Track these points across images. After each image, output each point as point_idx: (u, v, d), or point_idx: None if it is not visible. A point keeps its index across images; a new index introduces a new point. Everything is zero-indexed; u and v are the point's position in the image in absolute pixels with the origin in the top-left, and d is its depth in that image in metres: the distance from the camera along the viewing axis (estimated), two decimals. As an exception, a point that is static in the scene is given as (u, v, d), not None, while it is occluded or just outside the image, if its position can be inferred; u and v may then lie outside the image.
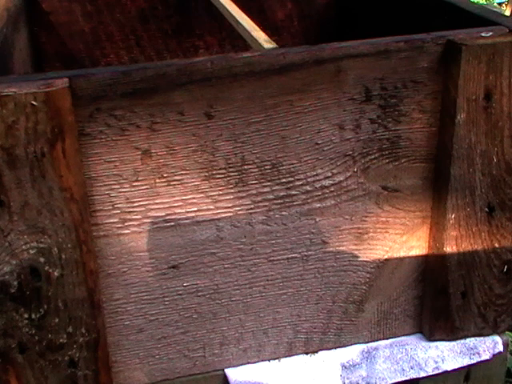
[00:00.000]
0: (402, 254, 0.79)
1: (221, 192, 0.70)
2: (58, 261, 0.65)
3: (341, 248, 0.76)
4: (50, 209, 0.63)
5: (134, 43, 1.24)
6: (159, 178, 0.67)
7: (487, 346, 0.83)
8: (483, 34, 0.70)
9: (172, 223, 0.70)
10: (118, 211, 0.68)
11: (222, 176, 0.69)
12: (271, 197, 0.72)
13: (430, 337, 0.82)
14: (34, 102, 0.59)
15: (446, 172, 0.74)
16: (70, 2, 1.18)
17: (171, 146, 0.67)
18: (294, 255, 0.75)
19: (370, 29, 1.10)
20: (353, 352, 0.81)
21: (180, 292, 0.73)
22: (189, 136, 0.67)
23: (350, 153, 0.72)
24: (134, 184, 0.67)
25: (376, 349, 0.81)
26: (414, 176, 0.75)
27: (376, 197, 0.75)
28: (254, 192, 0.71)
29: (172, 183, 0.68)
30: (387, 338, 0.83)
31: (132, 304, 0.72)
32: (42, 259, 0.64)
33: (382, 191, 0.75)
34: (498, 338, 0.84)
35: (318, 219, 0.74)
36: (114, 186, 0.67)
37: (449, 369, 0.83)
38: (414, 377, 0.82)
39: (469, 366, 0.84)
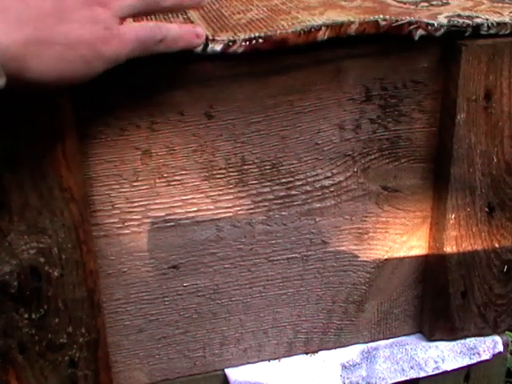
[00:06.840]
0: (402, 254, 0.79)
1: (221, 192, 0.70)
2: (58, 261, 0.65)
3: (341, 248, 0.76)
4: (50, 209, 0.63)
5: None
6: (159, 178, 0.67)
7: (487, 346, 0.83)
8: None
9: (172, 223, 0.70)
10: (118, 211, 0.68)
11: (222, 176, 0.69)
12: (271, 197, 0.72)
13: (430, 337, 0.82)
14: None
15: (446, 172, 0.73)
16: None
17: (171, 146, 0.67)
18: (294, 255, 0.75)
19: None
20: (353, 352, 0.81)
21: (180, 292, 0.73)
22: (189, 136, 0.67)
23: (350, 153, 0.72)
24: (134, 184, 0.67)
25: (376, 349, 0.81)
26: (414, 176, 0.75)
27: (376, 197, 0.75)
28: (254, 192, 0.71)
29: (172, 183, 0.68)
30: (387, 338, 0.83)
31: (132, 304, 0.72)
32: (42, 259, 0.64)
33: (382, 191, 0.75)
34: (498, 338, 0.84)
35: (317, 219, 0.74)
36: (113, 186, 0.67)
37: (449, 369, 0.83)
38: (414, 377, 0.82)
39: (469, 366, 0.84)
